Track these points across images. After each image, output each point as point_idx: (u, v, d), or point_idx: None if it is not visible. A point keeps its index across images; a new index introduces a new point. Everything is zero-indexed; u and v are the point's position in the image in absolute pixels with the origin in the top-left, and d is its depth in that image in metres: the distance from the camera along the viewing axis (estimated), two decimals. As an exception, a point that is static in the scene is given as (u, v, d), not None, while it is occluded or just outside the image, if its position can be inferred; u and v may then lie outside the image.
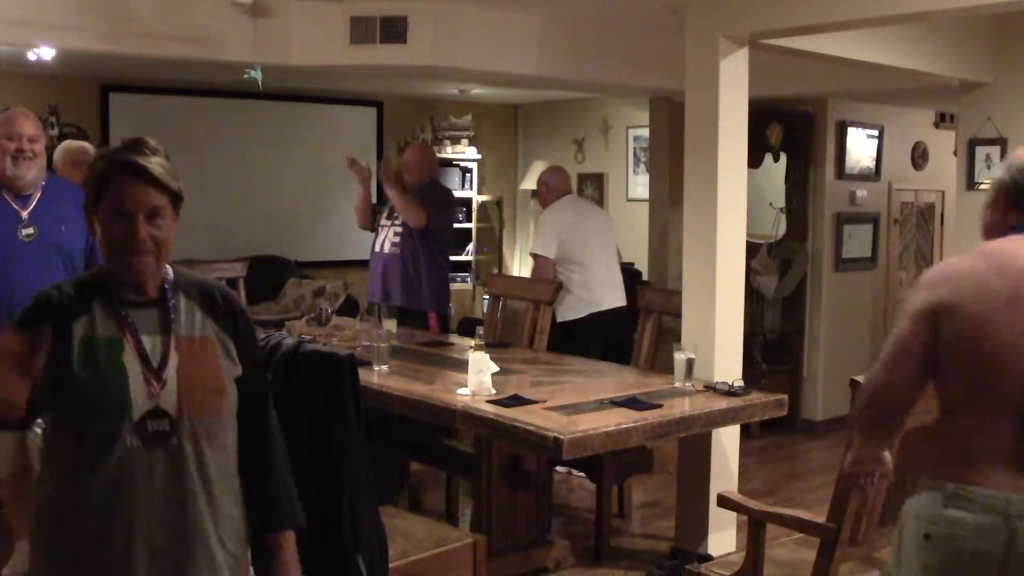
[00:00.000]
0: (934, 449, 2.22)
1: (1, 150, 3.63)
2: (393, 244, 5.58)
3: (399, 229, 5.58)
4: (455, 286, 8.82)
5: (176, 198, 1.95)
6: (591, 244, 5.50)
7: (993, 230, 2.30)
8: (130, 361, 1.88)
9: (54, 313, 1.88)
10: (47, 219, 3.67)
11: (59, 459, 1.91)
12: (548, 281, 5.24)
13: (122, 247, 1.89)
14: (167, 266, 2.01)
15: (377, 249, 5.68)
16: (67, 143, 5.06)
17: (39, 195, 3.70)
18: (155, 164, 1.90)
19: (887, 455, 2.36)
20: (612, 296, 5.49)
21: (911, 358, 2.18)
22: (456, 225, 8.76)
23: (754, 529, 2.91)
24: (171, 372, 1.90)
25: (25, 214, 3.64)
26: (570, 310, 5.36)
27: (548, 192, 5.68)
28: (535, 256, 5.54)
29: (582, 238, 5.47)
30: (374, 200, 5.97)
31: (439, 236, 5.61)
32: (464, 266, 8.95)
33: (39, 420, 1.94)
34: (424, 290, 5.51)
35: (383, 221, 5.66)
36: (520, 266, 9.35)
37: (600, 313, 5.37)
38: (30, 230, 3.63)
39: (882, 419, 2.29)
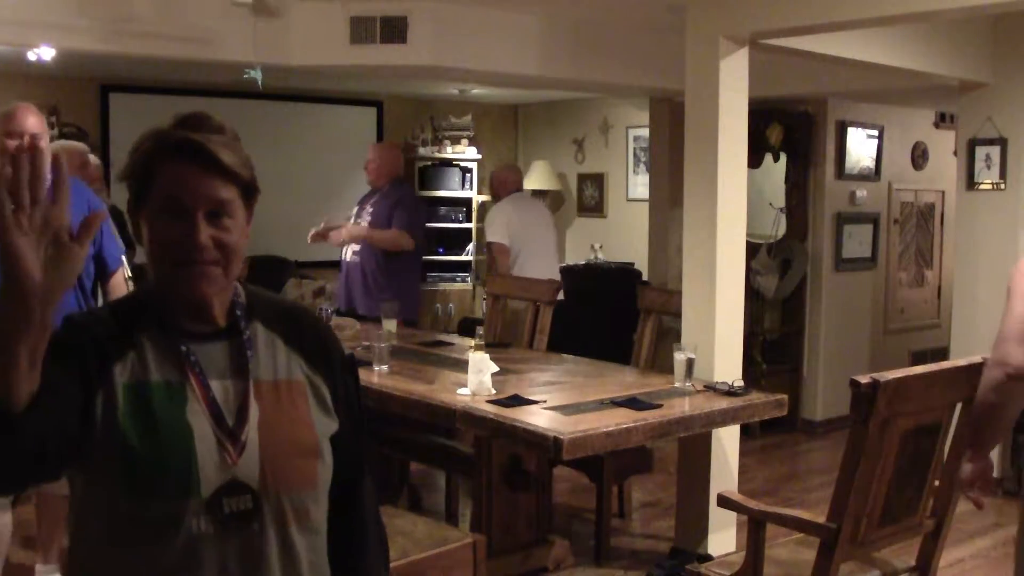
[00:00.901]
0: None
1: (0, 149, 3.27)
2: (354, 252, 5.67)
3: None
4: (455, 286, 8.84)
5: (248, 190, 1.45)
6: (532, 239, 6.02)
7: None
8: (196, 416, 1.38)
9: (86, 348, 1.35)
10: None
11: (97, 549, 1.39)
12: (549, 281, 5.25)
13: (176, 256, 1.39)
14: (237, 285, 1.50)
15: (342, 257, 5.77)
16: (66, 144, 4.87)
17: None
18: (220, 144, 1.40)
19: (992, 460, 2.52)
20: None
21: None
22: (456, 225, 8.84)
23: (754, 529, 2.90)
24: (251, 430, 1.40)
25: None
26: None
27: (501, 186, 6.23)
28: (492, 244, 6.01)
29: (525, 233, 6.01)
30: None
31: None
32: (464, 266, 8.95)
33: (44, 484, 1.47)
34: (384, 298, 5.51)
35: None
36: (520, 266, 9.35)
37: None
38: None
39: (1013, 398, 2.46)
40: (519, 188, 6.36)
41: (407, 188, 6.12)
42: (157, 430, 1.35)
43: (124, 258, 3.87)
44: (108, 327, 1.40)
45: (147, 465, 1.34)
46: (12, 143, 3.29)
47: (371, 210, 5.66)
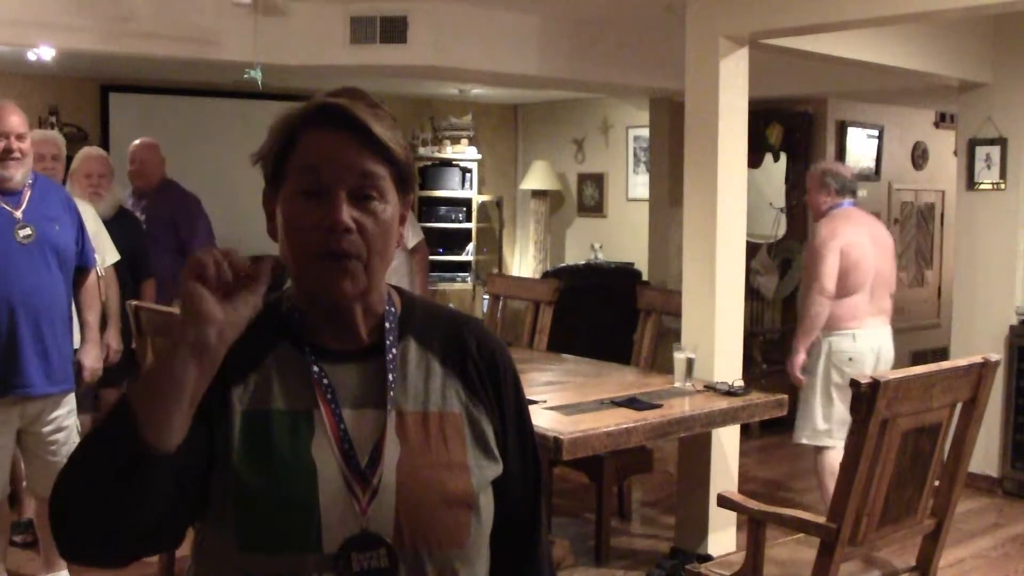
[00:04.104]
0: (841, 314, 4.36)
1: None
2: None
3: None
4: (455, 286, 8.85)
5: (403, 176, 1.21)
6: None
7: (824, 209, 4.45)
8: (322, 452, 1.16)
9: None
10: (41, 219, 3.38)
11: None
12: (549, 281, 5.25)
13: (312, 244, 1.16)
14: (391, 290, 1.28)
15: None
16: (89, 152, 4.69)
17: (29, 193, 3.38)
18: (371, 115, 1.18)
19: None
20: None
21: (835, 276, 4.30)
22: (456, 225, 8.85)
23: (754, 529, 2.90)
24: (387, 474, 1.17)
25: (19, 214, 3.34)
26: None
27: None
28: (423, 245, 5.85)
29: None
30: None
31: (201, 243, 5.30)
32: (464, 266, 8.95)
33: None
34: None
35: None
36: (520, 266, 9.35)
37: None
38: (27, 231, 3.33)
39: (825, 315, 4.34)
40: None
41: (183, 189, 5.53)
42: (275, 468, 1.14)
43: (98, 258, 3.89)
44: (239, 344, 1.12)
45: (262, 510, 1.13)
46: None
47: (143, 217, 5.11)
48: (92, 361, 3.71)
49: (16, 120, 3.34)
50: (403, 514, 1.16)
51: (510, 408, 1.29)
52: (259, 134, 1.27)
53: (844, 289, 4.34)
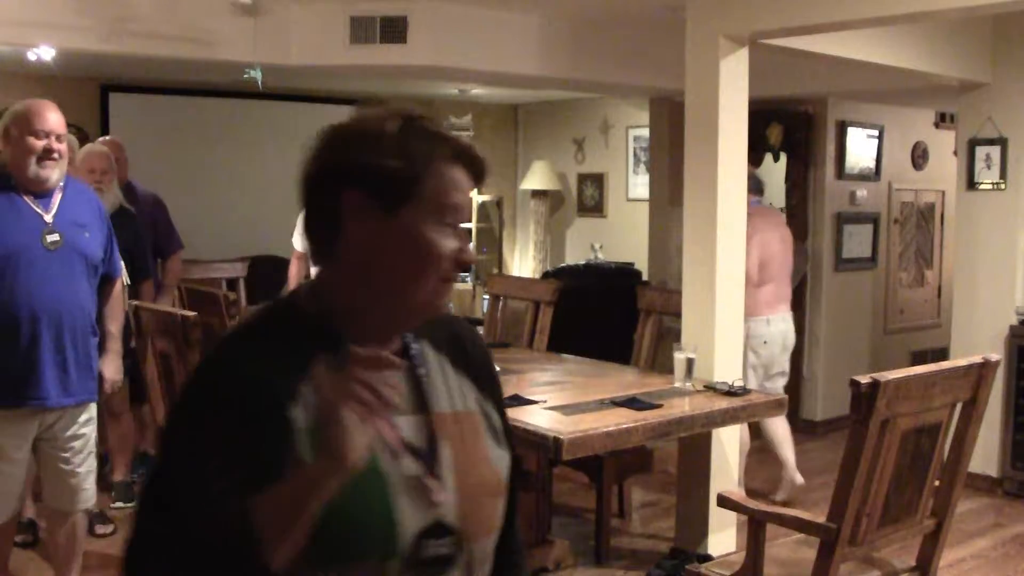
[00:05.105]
0: (759, 302, 4.83)
1: (26, 149, 3.17)
2: None
3: None
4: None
5: None
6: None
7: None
8: (388, 459, 1.19)
9: (253, 401, 1.14)
10: (70, 225, 3.27)
11: None
12: (549, 281, 5.25)
13: (440, 268, 1.21)
14: None
15: None
16: (92, 148, 4.62)
17: (60, 197, 3.27)
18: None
19: None
20: None
21: (758, 266, 4.77)
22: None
23: (754, 529, 2.90)
24: (447, 468, 1.23)
25: (49, 218, 3.22)
26: None
27: None
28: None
29: None
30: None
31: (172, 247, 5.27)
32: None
33: None
34: None
35: None
36: (520, 266, 9.35)
37: None
38: (55, 237, 3.21)
39: (748, 302, 4.62)
40: None
41: (142, 188, 5.36)
42: (346, 482, 1.12)
43: (124, 266, 3.82)
44: (275, 358, 1.16)
45: (337, 525, 1.13)
46: (39, 144, 3.19)
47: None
48: (112, 372, 3.64)
49: (56, 119, 3.25)
50: (462, 507, 1.22)
51: (501, 400, 1.39)
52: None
53: (760, 279, 4.86)
